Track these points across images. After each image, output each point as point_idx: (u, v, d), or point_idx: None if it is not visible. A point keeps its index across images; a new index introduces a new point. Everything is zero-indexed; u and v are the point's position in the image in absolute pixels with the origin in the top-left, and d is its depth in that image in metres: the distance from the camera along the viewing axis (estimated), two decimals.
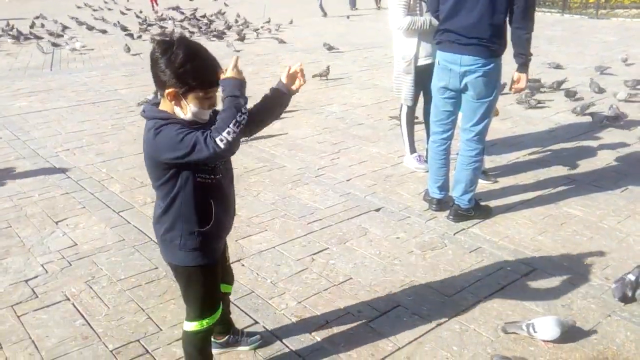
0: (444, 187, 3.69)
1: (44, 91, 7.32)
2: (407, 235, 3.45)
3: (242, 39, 11.20)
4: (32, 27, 12.95)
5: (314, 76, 7.36)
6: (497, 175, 4.27)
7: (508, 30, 3.34)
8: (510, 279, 2.95)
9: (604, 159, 4.61)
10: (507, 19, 3.29)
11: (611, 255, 3.16)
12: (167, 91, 1.72)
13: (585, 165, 4.49)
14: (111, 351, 2.44)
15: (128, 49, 9.86)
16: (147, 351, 2.45)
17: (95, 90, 7.38)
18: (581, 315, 2.63)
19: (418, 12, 4.04)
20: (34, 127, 5.76)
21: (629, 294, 2.66)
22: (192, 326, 2.04)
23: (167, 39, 1.72)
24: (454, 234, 3.44)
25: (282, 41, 10.90)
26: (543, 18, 15.09)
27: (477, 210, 3.61)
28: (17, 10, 17.34)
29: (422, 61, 4.12)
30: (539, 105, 6.12)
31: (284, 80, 1.99)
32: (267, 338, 2.49)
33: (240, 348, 2.43)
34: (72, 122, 5.89)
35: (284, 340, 2.49)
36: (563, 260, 3.13)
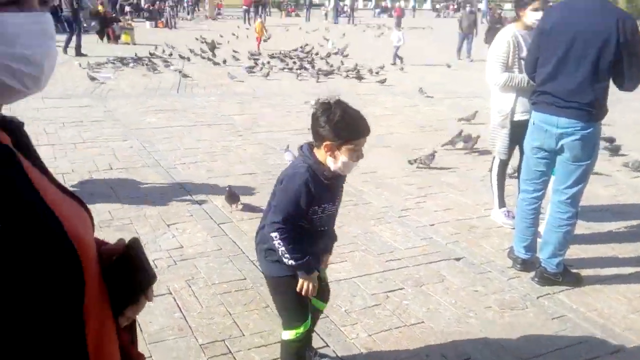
0: (530, 248, 3.41)
1: (170, 110, 7.84)
2: (486, 289, 3.21)
3: (359, 78, 11.48)
4: (152, 54, 13.75)
5: (459, 119, 7.44)
6: (594, 243, 3.88)
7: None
8: (594, 354, 2.63)
9: None
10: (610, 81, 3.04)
11: None
12: (324, 143, 1.95)
13: None
14: (200, 345, 2.58)
15: (241, 81, 10.40)
16: (230, 351, 2.55)
17: (212, 113, 7.79)
18: None
19: (516, 69, 3.86)
20: (159, 140, 6.16)
21: None
22: (288, 335, 2.14)
23: (327, 101, 1.97)
24: (537, 298, 3.15)
25: (383, 82, 11.03)
26: None
27: (566, 276, 3.28)
28: (151, 37, 18.88)
29: (519, 116, 3.90)
30: None
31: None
32: None
33: None
34: (190, 140, 6.24)
35: None
36: None
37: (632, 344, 2.73)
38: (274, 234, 1.96)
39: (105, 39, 17.07)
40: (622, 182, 5.37)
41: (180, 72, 11.10)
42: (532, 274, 3.34)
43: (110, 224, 3.89)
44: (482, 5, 39.95)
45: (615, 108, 3.60)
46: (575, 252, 3.65)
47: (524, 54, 3.74)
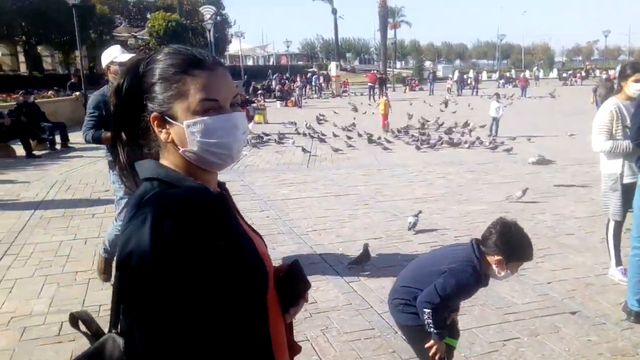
0: None
1: (301, 183, 8.98)
2: (599, 339, 3.54)
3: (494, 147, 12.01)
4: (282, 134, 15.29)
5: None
6: None
7: None
8: None
9: None
10: None
11: None
12: (497, 258, 2.46)
13: None
14: None
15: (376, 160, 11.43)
16: None
17: (339, 185, 8.78)
18: None
19: (621, 136, 4.27)
20: (292, 210, 7.18)
21: None
22: None
23: (507, 222, 2.55)
24: None
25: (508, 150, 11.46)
26: None
27: None
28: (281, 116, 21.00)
29: (628, 179, 4.26)
30: None
31: None
32: None
33: None
34: (320, 209, 7.18)
35: None
36: None
37: None
38: (427, 310, 2.46)
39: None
40: None
41: (304, 149, 12.37)
42: None
43: None
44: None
45: None
46: None
47: (628, 122, 4.16)
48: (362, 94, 34.77)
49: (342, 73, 46.32)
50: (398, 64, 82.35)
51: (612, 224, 4.56)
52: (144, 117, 1.14)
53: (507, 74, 53.89)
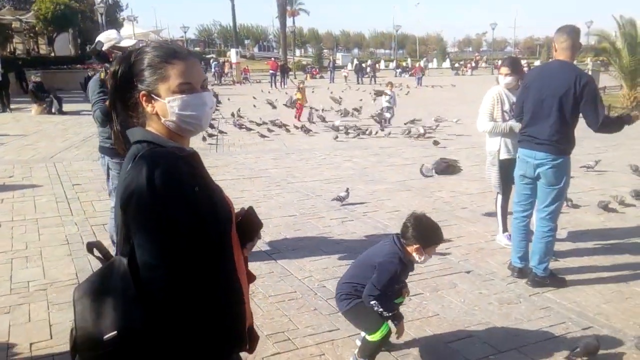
0: (524, 258, 4.41)
1: (213, 167, 9.08)
2: (489, 292, 4.20)
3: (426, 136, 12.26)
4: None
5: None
6: (578, 256, 4.87)
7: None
8: (570, 330, 3.59)
9: None
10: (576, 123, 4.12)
11: None
12: (415, 246, 3.00)
13: None
14: (266, 335, 3.51)
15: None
16: (289, 339, 3.50)
17: (250, 168, 9.04)
18: None
19: (500, 119, 5.02)
20: None
21: None
22: (373, 337, 3.02)
23: (417, 215, 3.09)
24: (529, 295, 4.12)
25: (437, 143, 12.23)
26: None
27: (553, 279, 4.26)
28: None
29: (504, 156, 5.05)
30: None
31: None
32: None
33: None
34: (235, 190, 7.40)
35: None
36: (619, 323, 3.68)
37: (600, 323, 3.67)
38: (373, 302, 2.95)
39: None
40: (612, 212, 6.34)
41: (213, 135, 12.41)
42: (526, 279, 4.32)
43: None
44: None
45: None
46: (562, 263, 4.68)
47: (506, 107, 4.93)
48: (263, 82, 34.93)
49: (242, 60, 46.01)
50: (297, 52, 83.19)
51: (499, 198, 5.31)
52: (134, 95, 1.50)
53: (404, 64, 56.74)
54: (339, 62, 57.58)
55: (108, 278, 1.40)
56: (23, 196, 7.22)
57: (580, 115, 4.06)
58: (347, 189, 6.87)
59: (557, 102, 4.03)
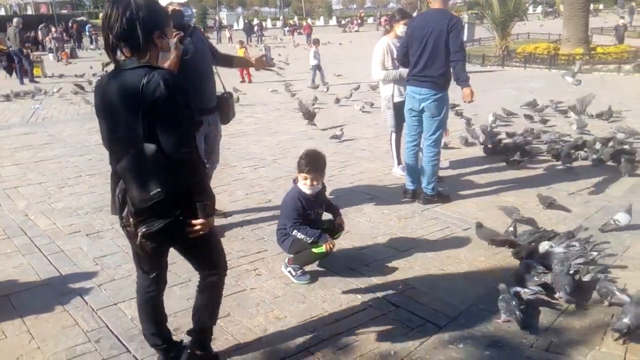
0: (415, 181, 5.34)
1: None
2: (389, 211, 5.09)
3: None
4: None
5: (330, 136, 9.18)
6: (461, 178, 5.94)
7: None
8: (453, 231, 4.57)
9: (536, 172, 6.26)
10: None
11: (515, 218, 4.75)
12: (303, 175, 3.71)
13: (523, 172, 6.13)
14: None
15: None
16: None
17: None
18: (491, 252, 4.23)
19: (391, 67, 5.86)
20: None
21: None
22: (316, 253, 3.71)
23: (306, 150, 3.86)
24: (422, 211, 5.07)
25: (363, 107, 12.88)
26: (532, 73, 17.03)
27: (440, 197, 5.24)
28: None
29: (397, 99, 5.90)
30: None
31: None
32: None
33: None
34: None
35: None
36: (491, 224, 4.71)
37: (474, 224, 4.69)
38: (294, 232, 3.62)
39: (14, 74, 17.58)
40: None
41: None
42: (418, 199, 5.27)
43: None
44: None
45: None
46: (446, 183, 5.71)
47: (395, 55, 5.75)
48: None
49: None
50: None
51: (393, 135, 6.20)
52: (152, 35, 2.27)
53: (291, 22, 56.97)
54: (224, 22, 56.45)
55: (141, 159, 2.18)
56: None
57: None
58: (341, 128, 8.11)
59: (437, 44, 4.87)
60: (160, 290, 2.68)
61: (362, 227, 4.71)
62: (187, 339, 2.83)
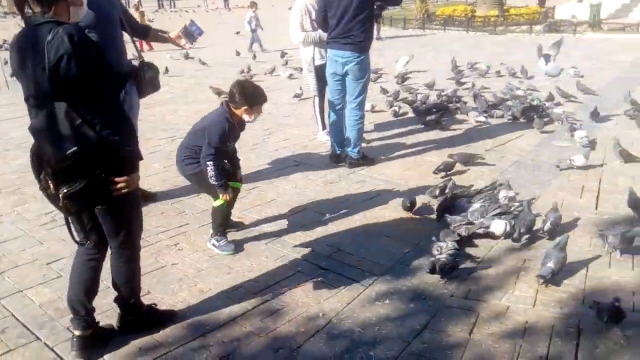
0: (341, 145, 5.31)
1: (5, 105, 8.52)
2: (315, 176, 5.04)
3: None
4: None
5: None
6: (383, 141, 5.98)
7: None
8: (380, 192, 4.60)
9: (453, 133, 6.43)
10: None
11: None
12: (243, 108, 3.44)
13: (445, 132, 6.28)
14: None
15: None
16: (143, 237, 3.90)
17: None
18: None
19: (311, 29, 5.71)
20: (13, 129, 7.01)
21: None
22: (219, 202, 3.55)
23: (238, 80, 3.60)
24: (348, 175, 5.06)
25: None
26: (451, 35, 17.45)
27: (365, 160, 5.26)
28: None
29: (318, 62, 5.78)
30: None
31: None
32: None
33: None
34: None
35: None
36: (415, 183, 4.79)
37: (401, 184, 4.76)
38: (209, 163, 3.37)
39: None
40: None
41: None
42: (344, 162, 5.25)
43: None
44: None
45: None
46: (371, 146, 5.72)
47: (314, 16, 5.61)
48: None
49: None
50: None
51: (316, 100, 6.11)
52: None
53: None
54: None
55: (52, 118, 2.10)
56: None
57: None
58: (301, 87, 8.09)
59: (356, 6, 4.80)
60: (101, 255, 2.61)
61: (288, 194, 4.64)
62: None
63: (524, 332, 2.72)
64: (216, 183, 3.46)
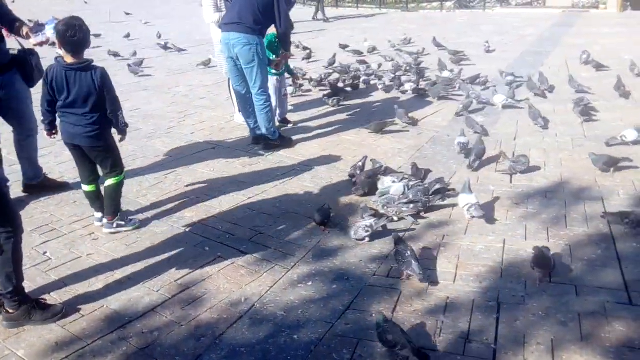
0: (256, 128, 5.30)
1: None
2: (233, 159, 5.02)
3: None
4: None
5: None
6: (302, 123, 6.04)
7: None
8: (297, 171, 4.66)
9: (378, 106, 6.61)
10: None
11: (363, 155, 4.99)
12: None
13: (361, 111, 6.43)
14: (26, 230, 3.68)
15: None
16: (56, 229, 3.74)
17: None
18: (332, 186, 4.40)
19: (225, 9, 5.59)
20: None
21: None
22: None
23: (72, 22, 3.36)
24: (266, 156, 5.08)
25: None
26: (363, 12, 17.68)
27: (282, 141, 5.29)
28: None
29: None
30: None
31: None
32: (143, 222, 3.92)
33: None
34: None
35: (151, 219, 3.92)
36: (333, 162, 4.89)
37: (320, 163, 4.83)
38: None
39: None
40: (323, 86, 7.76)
41: None
42: (261, 144, 5.26)
43: None
44: None
45: None
46: (291, 129, 5.77)
47: None
48: None
49: None
50: None
51: (230, 82, 6.02)
52: None
53: None
54: None
55: None
56: None
57: None
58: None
59: None
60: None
61: (205, 178, 4.59)
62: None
63: (445, 308, 2.77)
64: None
